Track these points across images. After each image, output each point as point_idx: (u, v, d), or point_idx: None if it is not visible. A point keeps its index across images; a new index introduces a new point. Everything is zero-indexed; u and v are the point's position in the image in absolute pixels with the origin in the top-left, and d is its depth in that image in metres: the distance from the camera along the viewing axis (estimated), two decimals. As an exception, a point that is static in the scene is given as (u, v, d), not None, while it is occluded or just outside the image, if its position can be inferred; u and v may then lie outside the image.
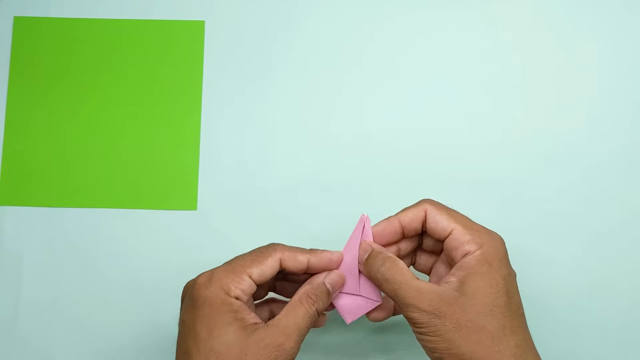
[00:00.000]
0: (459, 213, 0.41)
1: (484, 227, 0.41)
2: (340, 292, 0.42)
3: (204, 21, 0.54)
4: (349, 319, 0.43)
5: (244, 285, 0.38)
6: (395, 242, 0.43)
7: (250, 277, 0.39)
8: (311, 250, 0.41)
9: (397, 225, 0.42)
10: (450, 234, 0.40)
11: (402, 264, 0.40)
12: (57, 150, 0.52)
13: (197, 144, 0.53)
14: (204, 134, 0.53)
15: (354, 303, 0.42)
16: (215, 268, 0.39)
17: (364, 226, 0.42)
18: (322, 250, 0.41)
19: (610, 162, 0.52)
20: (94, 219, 0.52)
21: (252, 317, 0.38)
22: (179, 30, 0.54)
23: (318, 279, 0.41)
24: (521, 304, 0.40)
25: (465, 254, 0.39)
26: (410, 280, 0.38)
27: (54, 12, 0.54)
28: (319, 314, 0.40)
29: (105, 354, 0.50)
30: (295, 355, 0.38)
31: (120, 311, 0.50)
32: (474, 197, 0.52)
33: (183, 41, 0.54)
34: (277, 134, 0.53)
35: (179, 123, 0.53)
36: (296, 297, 0.40)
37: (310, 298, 0.39)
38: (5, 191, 0.52)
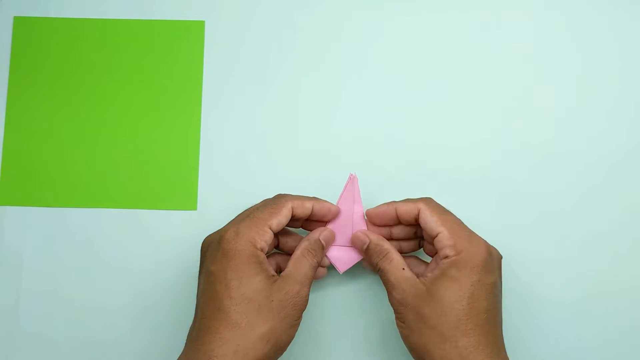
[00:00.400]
0: (452, 216, 0.44)
1: (470, 234, 0.44)
2: (333, 245, 0.47)
3: (204, 21, 0.54)
4: (342, 269, 0.47)
5: (266, 237, 0.43)
6: (391, 225, 0.47)
7: (270, 228, 0.43)
8: (314, 197, 0.46)
9: (393, 212, 0.46)
10: (437, 235, 0.43)
11: (394, 254, 0.44)
12: (57, 150, 0.52)
13: (197, 144, 0.53)
14: (204, 134, 0.53)
15: (346, 254, 0.48)
16: (239, 223, 0.43)
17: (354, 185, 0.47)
18: (324, 200, 0.47)
19: (609, 162, 0.52)
20: (94, 219, 0.52)
21: (271, 270, 0.43)
22: (179, 30, 0.54)
23: (314, 235, 0.46)
24: (488, 310, 0.41)
25: (445, 257, 0.42)
26: (396, 271, 0.43)
27: (54, 12, 0.54)
28: (319, 265, 0.45)
29: (105, 353, 0.50)
30: (308, 299, 0.43)
31: (119, 311, 0.50)
32: (473, 197, 0.52)
33: (183, 41, 0.54)
34: (278, 134, 0.53)
35: (179, 123, 0.53)
36: (298, 251, 0.44)
37: (310, 252, 0.44)
38: (5, 191, 0.52)
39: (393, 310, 0.43)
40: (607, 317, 0.50)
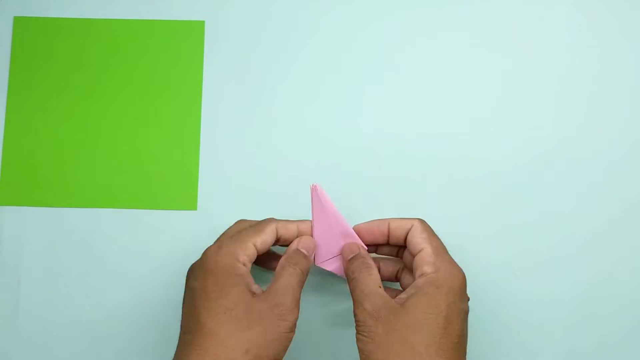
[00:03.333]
0: (439, 240, 0.44)
1: (451, 259, 0.43)
2: (331, 259, 0.46)
3: (204, 21, 0.54)
4: None
5: (249, 251, 0.42)
6: (379, 244, 0.47)
7: (254, 245, 0.43)
8: (299, 220, 0.46)
9: (385, 227, 0.45)
10: (419, 251, 0.43)
11: (375, 271, 0.43)
12: (57, 150, 0.52)
13: (197, 144, 0.53)
14: (204, 134, 0.53)
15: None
16: (222, 239, 0.43)
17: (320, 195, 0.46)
18: (306, 220, 0.46)
19: (611, 163, 0.52)
20: (94, 219, 0.52)
21: (253, 283, 0.42)
22: (179, 30, 0.54)
23: (291, 246, 0.45)
24: (459, 335, 0.40)
25: (422, 275, 0.42)
26: (370, 283, 0.42)
27: (54, 12, 0.54)
28: (305, 273, 0.43)
29: (105, 354, 0.50)
30: (297, 312, 0.41)
31: (119, 311, 0.50)
32: (474, 198, 0.52)
33: (183, 41, 0.54)
34: (277, 134, 0.53)
35: (179, 123, 0.53)
36: (278, 267, 0.43)
37: (289, 263, 0.43)
38: (5, 191, 0.52)
39: (357, 326, 0.41)
40: (607, 317, 0.50)
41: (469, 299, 0.43)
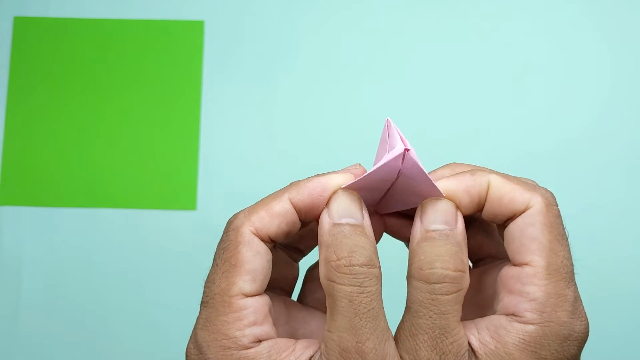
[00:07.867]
0: (565, 254, 0.24)
1: (576, 302, 0.25)
2: (390, 214, 0.26)
3: (203, 21, 0.54)
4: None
5: (263, 328, 0.22)
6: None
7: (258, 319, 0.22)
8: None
9: (482, 191, 0.25)
10: (522, 265, 0.24)
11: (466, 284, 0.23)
12: (57, 150, 0.53)
13: (197, 144, 0.53)
14: (203, 134, 0.53)
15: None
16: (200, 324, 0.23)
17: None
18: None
19: (612, 162, 0.52)
20: (94, 219, 0.52)
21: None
22: (179, 30, 0.54)
23: (322, 229, 0.23)
24: None
25: (512, 317, 0.23)
26: (454, 316, 0.22)
27: (54, 12, 0.54)
28: (378, 284, 0.22)
29: (105, 353, 0.50)
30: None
31: (119, 311, 0.50)
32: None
33: (183, 41, 0.54)
34: (277, 134, 0.53)
35: (178, 123, 0.53)
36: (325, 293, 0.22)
37: (336, 281, 0.22)
38: (5, 191, 0.52)
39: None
40: (609, 315, 0.50)
41: None
